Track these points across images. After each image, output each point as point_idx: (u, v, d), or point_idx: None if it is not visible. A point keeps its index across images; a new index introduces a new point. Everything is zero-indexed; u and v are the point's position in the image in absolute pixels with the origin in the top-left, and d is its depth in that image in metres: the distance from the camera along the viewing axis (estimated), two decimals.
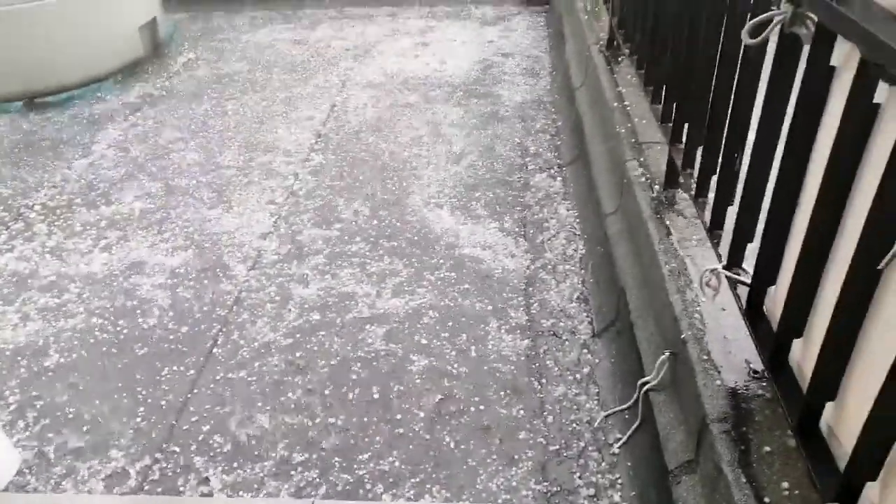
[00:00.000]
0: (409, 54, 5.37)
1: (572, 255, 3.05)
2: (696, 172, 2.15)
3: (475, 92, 4.69)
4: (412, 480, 2.08)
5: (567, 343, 2.57)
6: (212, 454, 2.20)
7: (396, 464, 2.13)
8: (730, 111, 1.88)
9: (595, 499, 2.00)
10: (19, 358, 2.60)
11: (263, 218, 3.39)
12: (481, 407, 2.32)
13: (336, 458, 2.16)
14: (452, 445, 2.19)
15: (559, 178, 3.65)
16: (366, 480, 2.09)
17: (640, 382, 2.05)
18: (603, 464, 2.09)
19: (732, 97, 1.87)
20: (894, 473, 1.16)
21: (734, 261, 1.81)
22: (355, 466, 2.13)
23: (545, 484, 2.05)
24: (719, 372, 1.68)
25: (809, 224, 1.37)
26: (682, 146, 2.30)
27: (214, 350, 2.60)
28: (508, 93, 4.68)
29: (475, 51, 5.39)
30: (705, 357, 1.73)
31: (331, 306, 2.80)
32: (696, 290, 1.95)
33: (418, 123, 4.28)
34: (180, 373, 2.51)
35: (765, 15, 1.52)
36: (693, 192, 2.16)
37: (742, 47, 1.72)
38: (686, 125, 2.29)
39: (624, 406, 2.17)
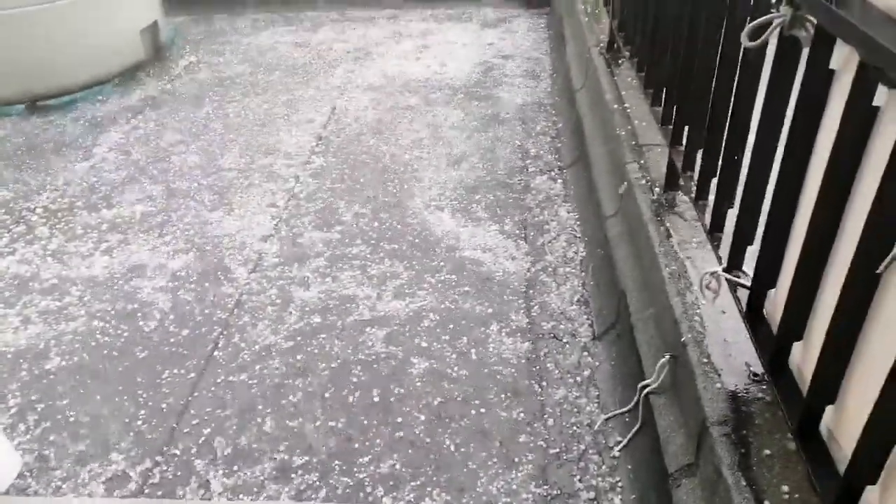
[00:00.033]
0: (409, 57, 5.38)
1: (573, 257, 3.05)
2: (696, 175, 2.15)
3: (476, 94, 4.70)
4: (412, 483, 2.08)
5: (567, 346, 2.57)
6: (212, 457, 2.20)
7: (397, 467, 2.13)
8: (730, 114, 1.88)
9: (595, 502, 1.99)
10: (20, 361, 2.61)
11: (264, 220, 3.39)
12: (482, 410, 2.32)
13: (336, 462, 2.16)
14: (452, 448, 2.18)
15: (560, 181, 3.65)
16: (366, 483, 2.09)
17: (640, 385, 2.05)
18: (603, 467, 2.09)
19: (732, 100, 1.87)
20: (894, 477, 1.16)
21: (734, 263, 1.81)
22: (355, 469, 2.13)
23: (545, 487, 2.05)
24: (719, 375, 1.68)
25: (809, 227, 1.37)
26: (683, 148, 2.30)
27: (215, 353, 2.60)
28: (509, 95, 4.68)
29: (476, 53, 5.39)
30: (705, 360, 1.72)
31: (331, 309, 2.80)
32: (697, 292, 1.95)
33: (419, 126, 4.29)
34: (181, 376, 2.51)
35: (764, 17, 1.52)
36: (693, 195, 2.16)
37: (742, 50, 1.72)
38: (686, 127, 2.29)
39: (624, 409, 2.17)
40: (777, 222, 1.54)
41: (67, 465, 2.19)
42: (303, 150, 4.03)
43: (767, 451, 1.47)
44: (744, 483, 1.41)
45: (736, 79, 1.84)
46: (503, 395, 2.37)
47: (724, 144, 1.92)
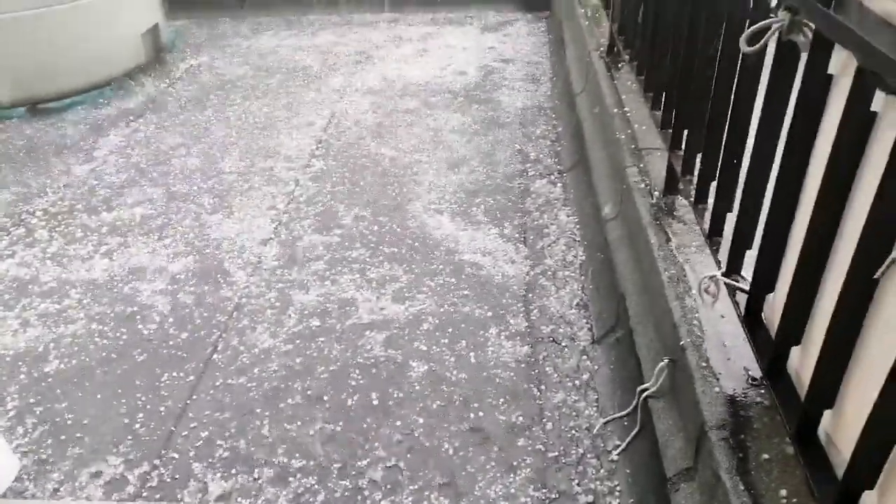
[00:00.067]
0: (410, 60, 5.39)
1: (572, 261, 3.05)
2: (695, 179, 2.15)
3: (476, 98, 4.71)
4: (411, 487, 2.08)
5: (566, 349, 2.57)
6: (210, 460, 2.19)
7: (395, 470, 2.13)
8: (729, 118, 1.89)
9: None
10: (19, 364, 2.61)
11: (264, 224, 3.39)
12: (480, 413, 2.32)
13: (334, 465, 2.16)
14: (451, 452, 2.18)
15: (559, 184, 3.66)
16: (364, 487, 2.08)
17: (639, 389, 2.05)
18: (602, 471, 2.08)
19: (731, 104, 1.87)
20: (892, 481, 1.16)
21: (733, 268, 1.81)
22: (354, 473, 2.13)
23: (544, 491, 2.05)
24: (718, 379, 1.68)
25: (808, 231, 1.37)
26: (682, 152, 2.30)
27: (214, 356, 2.60)
28: (509, 99, 4.69)
29: (476, 57, 5.40)
30: (704, 364, 1.72)
31: (330, 312, 2.80)
32: (696, 296, 1.95)
33: (419, 129, 4.29)
34: (180, 379, 2.51)
35: (763, 22, 1.52)
36: (692, 199, 2.16)
37: (740, 54, 1.72)
38: (686, 131, 2.30)
39: (623, 413, 2.16)
40: (776, 227, 1.55)
41: (65, 468, 2.19)
42: (303, 153, 4.04)
43: (766, 456, 1.47)
44: (742, 487, 1.41)
45: (735, 83, 1.84)
46: (502, 399, 2.37)
47: (723, 148, 1.92)
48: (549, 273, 2.99)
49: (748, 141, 1.80)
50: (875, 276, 1.11)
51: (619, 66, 3.58)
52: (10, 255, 3.24)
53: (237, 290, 2.95)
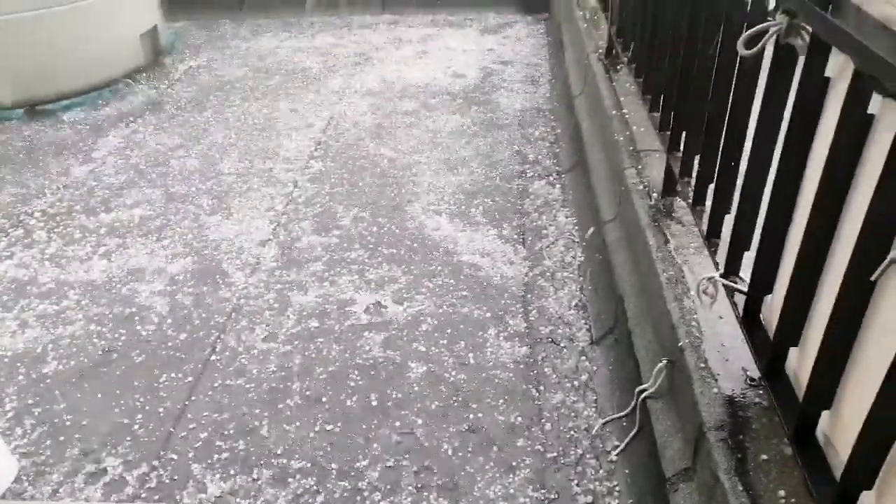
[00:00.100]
0: (409, 62, 5.39)
1: (571, 262, 3.06)
2: (693, 180, 2.16)
3: (475, 100, 4.71)
4: (410, 488, 2.08)
5: (565, 350, 2.57)
6: (209, 461, 2.19)
7: (394, 471, 2.13)
8: (727, 120, 1.89)
9: None
10: (17, 365, 2.60)
11: (263, 225, 3.40)
12: (479, 414, 2.32)
13: (334, 466, 2.16)
14: (450, 452, 2.19)
15: (558, 186, 3.66)
16: (363, 488, 2.08)
17: (637, 390, 2.05)
18: (601, 471, 2.09)
19: (729, 106, 1.88)
20: (890, 482, 1.17)
21: (731, 269, 1.82)
22: (353, 473, 2.13)
23: (543, 491, 2.05)
24: (716, 380, 1.68)
25: (805, 233, 1.37)
26: (680, 154, 2.31)
27: (213, 357, 2.60)
28: (508, 100, 4.69)
29: (475, 59, 5.41)
30: (702, 365, 1.73)
31: (329, 313, 2.80)
32: (694, 297, 1.96)
33: (418, 131, 4.30)
34: (178, 380, 2.51)
35: (760, 26, 1.53)
36: (690, 200, 2.17)
37: (739, 57, 1.73)
38: (684, 133, 2.30)
39: (622, 413, 2.17)
40: (773, 228, 1.55)
41: (64, 469, 2.19)
42: (302, 154, 4.04)
43: (764, 456, 1.47)
44: (740, 488, 1.41)
45: (733, 85, 1.85)
46: (501, 400, 2.37)
47: (721, 150, 1.93)
48: (548, 274, 2.99)
49: (746, 143, 1.81)
50: (872, 278, 1.12)
51: (618, 68, 3.59)
52: (8, 256, 3.24)
53: (236, 290, 2.95)
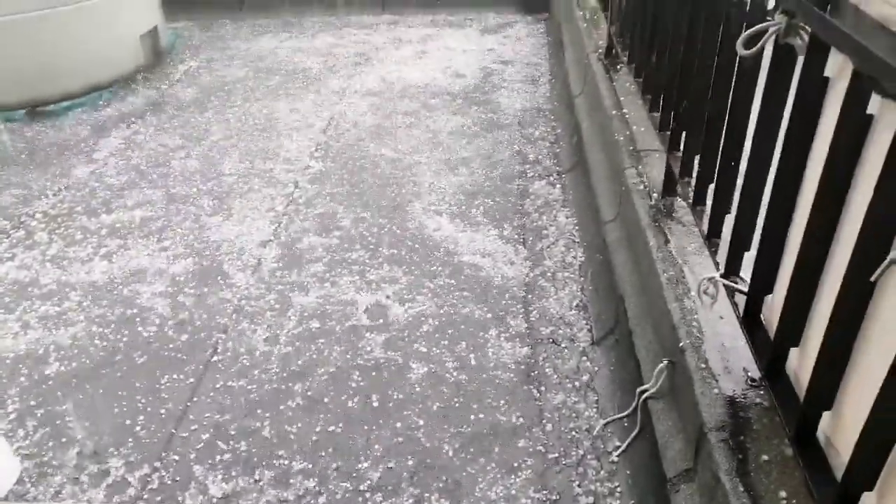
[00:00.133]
0: (409, 62, 5.40)
1: (571, 262, 3.06)
2: (693, 180, 2.16)
3: (475, 100, 4.71)
4: (411, 489, 2.08)
5: (566, 351, 2.57)
6: (211, 462, 2.20)
7: (396, 472, 2.13)
8: (727, 120, 1.89)
9: None
10: (19, 366, 2.61)
11: (263, 226, 3.40)
12: (480, 415, 2.32)
13: (335, 467, 2.16)
14: (451, 454, 2.19)
15: (558, 186, 3.66)
16: (365, 489, 2.09)
17: (638, 390, 2.05)
18: (602, 472, 2.09)
19: (729, 106, 1.88)
20: (891, 483, 1.17)
21: (731, 269, 1.82)
22: (354, 475, 2.13)
23: (544, 492, 2.05)
24: (717, 380, 1.68)
25: (805, 233, 1.37)
26: (680, 154, 2.31)
27: (214, 358, 2.61)
28: (508, 100, 4.69)
29: (475, 59, 5.41)
30: (703, 365, 1.73)
31: (330, 314, 2.80)
32: (694, 298, 1.96)
33: (418, 131, 4.30)
34: (180, 381, 2.51)
35: (759, 26, 1.53)
36: (691, 201, 2.17)
37: (738, 57, 1.73)
38: (684, 133, 2.30)
39: (623, 414, 2.17)
40: (773, 228, 1.55)
41: (66, 471, 2.19)
42: (302, 155, 4.05)
43: (765, 457, 1.47)
44: (741, 489, 1.41)
45: (732, 85, 1.85)
46: (502, 400, 2.37)
47: (721, 150, 1.93)
48: (549, 274, 2.99)
49: (746, 143, 1.81)
50: (872, 279, 1.12)
51: (618, 67, 3.59)
52: (9, 257, 3.24)
53: (237, 291, 2.95)
